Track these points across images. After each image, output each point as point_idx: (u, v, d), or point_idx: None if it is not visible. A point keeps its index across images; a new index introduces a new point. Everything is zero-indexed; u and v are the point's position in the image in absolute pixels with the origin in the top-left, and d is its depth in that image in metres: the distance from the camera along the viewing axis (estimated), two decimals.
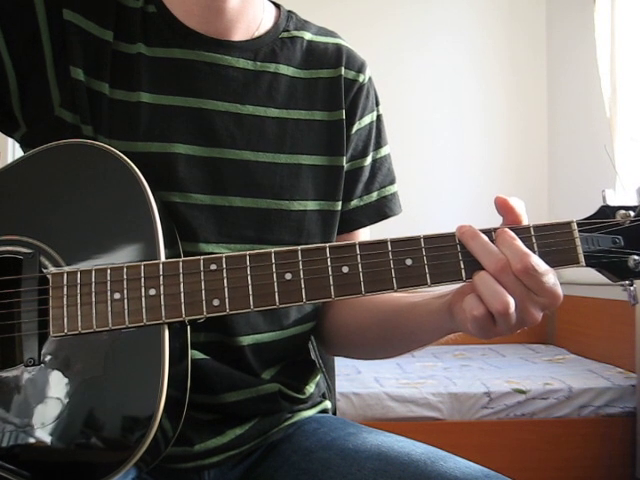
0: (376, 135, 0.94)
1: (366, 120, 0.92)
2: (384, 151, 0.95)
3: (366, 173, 0.92)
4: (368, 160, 0.92)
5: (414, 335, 0.79)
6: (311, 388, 0.91)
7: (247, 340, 0.81)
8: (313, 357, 0.96)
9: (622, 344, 2.66)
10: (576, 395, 2.37)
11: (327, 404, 0.96)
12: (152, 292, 0.65)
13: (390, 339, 0.84)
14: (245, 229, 0.81)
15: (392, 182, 0.95)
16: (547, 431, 2.35)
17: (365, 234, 0.93)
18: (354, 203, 0.91)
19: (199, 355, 0.78)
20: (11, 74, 0.77)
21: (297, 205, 0.84)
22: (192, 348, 0.72)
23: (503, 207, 0.65)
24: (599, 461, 2.36)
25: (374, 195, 0.92)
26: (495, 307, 0.61)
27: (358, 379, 2.55)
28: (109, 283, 0.65)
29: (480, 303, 0.62)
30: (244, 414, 0.82)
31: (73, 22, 0.77)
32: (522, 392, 2.38)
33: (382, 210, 0.93)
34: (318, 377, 0.94)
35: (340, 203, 0.88)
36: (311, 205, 0.85)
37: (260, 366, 0.83)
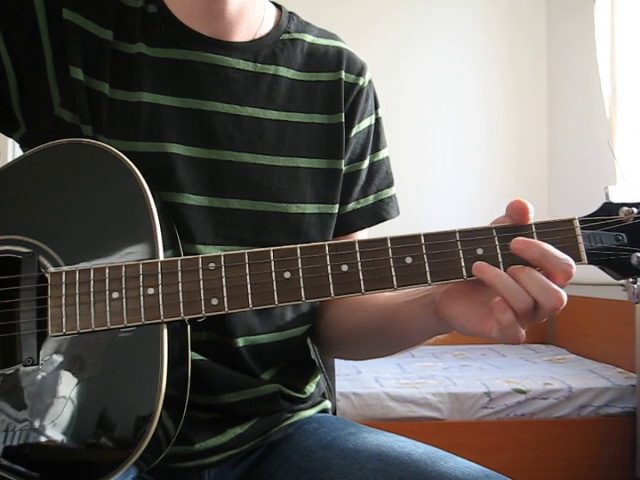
0: (374, 138, 0.93)
1: (365, 123, 0.91)
2: (382, 154, 0.94)
3: (363, 176, 0.91)
4: (366, 163, 0.91)
5: (405, 339, 0.80)
6: (311, 388, 0.91)
7: (243, 342, 0.81)
8: (313, 357, 0.96)
9: (622, 344, 2.65)
10: (576, 395, 2.37)
11: (327, 404, 0.96)
12: (150, 291, 0.64)
13: (384, 342, 0.84)
14: (242, 231, 0.81)
15: (390, 185, 0.94)
16: (547, 431, 2.35)
17: (362, 237, 0.92)
18: (351, 206, 0.90)
19: (198, 356, 0.77)
20: (11, 74, 0.77)
21: (295, 208, 0.83)
22: (191, 349, 0.71)
23: (520, 211, 0.63)
24: (599, 461, 2.36)
25: (371, 198, 0.92)
26: (519, 306, 0.60)
27: (358, 379, 2.55)
28: (107, 282, 0.65)
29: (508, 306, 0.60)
30: (244, 414, 0.82)
31: (72, 21, 0.77)
32: (522, 392, 2.37)
33: (379, 213, 0.92)
34: (318, 377, 0.94)
35: (338, 206, 0.88)
36: (309, 208, 0.85)
37: (259, 367, 0.83)
